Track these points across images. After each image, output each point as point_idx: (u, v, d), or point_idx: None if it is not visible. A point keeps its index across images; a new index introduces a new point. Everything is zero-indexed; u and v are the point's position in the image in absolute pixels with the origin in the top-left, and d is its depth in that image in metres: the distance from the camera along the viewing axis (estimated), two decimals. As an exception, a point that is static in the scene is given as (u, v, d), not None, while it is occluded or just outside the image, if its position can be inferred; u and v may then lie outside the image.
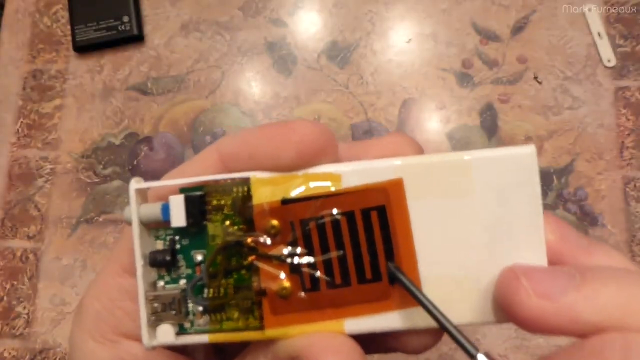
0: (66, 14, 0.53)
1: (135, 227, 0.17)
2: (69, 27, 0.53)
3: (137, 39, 0.52)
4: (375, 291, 0.16)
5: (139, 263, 0.17)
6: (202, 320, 0.17)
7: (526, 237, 0.16)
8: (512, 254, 0.16)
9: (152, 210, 0.17)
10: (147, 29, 0.53)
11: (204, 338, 0.17)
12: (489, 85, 0.50)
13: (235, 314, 0.17)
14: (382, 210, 0.16)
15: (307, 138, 0.16)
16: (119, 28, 0.51)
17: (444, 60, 0.51)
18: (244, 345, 0.18)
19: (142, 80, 0.51)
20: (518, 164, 0.16)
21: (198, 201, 0.17)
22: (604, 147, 0.48)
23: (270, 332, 0.16)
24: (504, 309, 0.15)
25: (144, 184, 0.17)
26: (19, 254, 0.48)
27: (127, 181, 0.49)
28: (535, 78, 0.50)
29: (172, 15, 0.53)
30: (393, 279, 0.16)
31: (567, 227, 0.16)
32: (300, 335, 0.16)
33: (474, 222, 0.16)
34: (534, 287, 0.14)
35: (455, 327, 0.15)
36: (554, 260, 0.16)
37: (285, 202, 0.16)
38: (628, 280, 0.14)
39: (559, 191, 0.47)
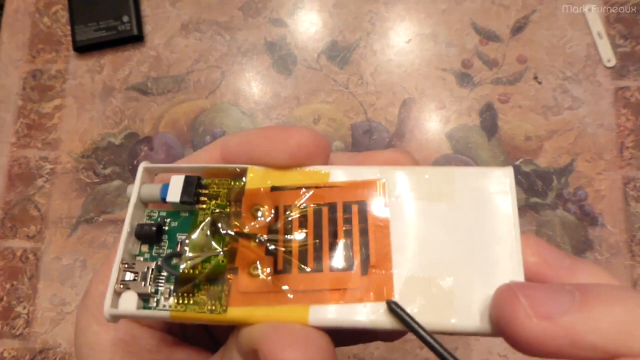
0: (66, 14, 0.53)
1: (133, 199, 0.18)
2: (69, 27, 0.53)
3: (137, 39, 0.52)
4: (345, 280, 0.16)
5: (126, 230, 0.17)
6: (167, 302, 0.17)
7: (502, 249, 0.16)
8: (490, 260, 0.16)
9: (153, 188, 0.18)
10: (147, 29, 0.53)
11: (165, 314, 0.17)
12: (489, 85, 0.50)
13: (203, 298, 0.17)
14: (362, 205, 0.17)
15: (302, 143, 0.18)
16: (119, 28, 0.51)
17: (443, 60, 0.51)
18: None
19: (142, 80, 0.51)
20: (497, 181, 0.17)
21: (196, 183, 0.18)
22: (604, 147, 0.48)
23: (232, 313, 0.16)
24: (500, 329, 0.14)
25: (152, 165, 0.19)
26: (19, 254, 0.48)
27: (127, 181, 0.49)
28: (535, 78, 0.50)
29: (172, 15, 0.53)
30: (391, 311, 0.16)
31: (548, 247, 0.16)
32: (259, 324, 0.16)
33: (453, 229, 0.17)
34: (533, 306, 0.13)
35: (451, 354, 0.15)
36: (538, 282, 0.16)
37: (274, 188, 0.18)
38: (633, 300, 0.13)
39: (559, 191, 0.47)
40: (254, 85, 0.51)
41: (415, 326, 0.15)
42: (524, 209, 0.47)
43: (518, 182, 0.47)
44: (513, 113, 0.49)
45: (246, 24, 0.52)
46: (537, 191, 0.47)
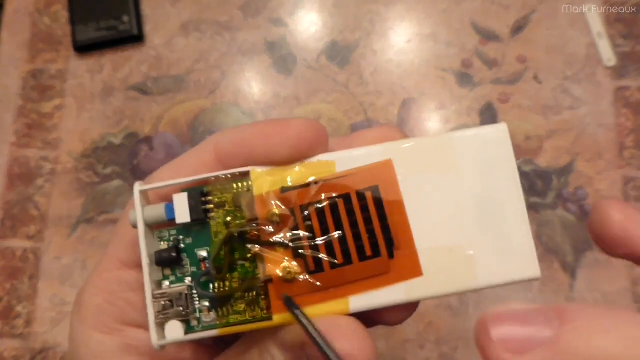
0: (66, 14, 0.53)
1: (141, 228, 0.17)
2: (69, 27, 0.53)
3: (137, 39, 0.52)
4: (376, 267, 0.17)
5: (145, 261, 0.17)
6: (209, 318, 0.17)
7: (509, 202, 0.17)
8: (499, 220, 0.17)
9: (157, 210, 0.18)
10: (147, 29, 0.53)
11: (214, 332, 0.17)
12: (489, 85, 0.50)
13: (242, 307, 0.17)
14: (375, 190, 0.17)
15: (302, 134, 0.17)
16: (119, 28, 0.51)
17: (443, 60, 0.51)
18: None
19: (142, 80, 0.51)
20: (494, 139, 0.18)
21: (200, 197, 0.17)
22: (604, 147, 0.48)
23: (278, 319, 0.17)
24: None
25: (147, 186, 0.18)
26: (19, 254, 0.48)
27: (127, 181, 0.49)
28: (535, 78, 0.50)
29: (172, 15, 0.53)
30: (288, 306, 0.17)
31: (630, 206, 0.17)
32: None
33: (461, 195, 0.18)
34: (504, 340, 0.13)
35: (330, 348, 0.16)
36: (625, 239, 0.16)
37: (284, 190, 0.17)
38: (615, 323, 0.13)
39: (559, 191, 0.47)
40: (254, 85, 0.51)
41: (306, 325, 0.16)
42: (524, 209, 0.47)
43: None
44: (513, 113, 0.49)
45: (246, 24, 0.52)
46: (537, 191, 0.47)
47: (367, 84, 0.50)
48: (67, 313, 0.46)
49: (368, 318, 0.18)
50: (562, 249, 0.46)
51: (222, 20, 0.53)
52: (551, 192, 0.47)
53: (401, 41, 0.51)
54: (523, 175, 0.48)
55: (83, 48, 0.52)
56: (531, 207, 0.47)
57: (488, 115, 0.49)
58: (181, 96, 0.51)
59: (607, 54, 0.49)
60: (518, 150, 0.48)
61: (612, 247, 0.17)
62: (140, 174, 0.49)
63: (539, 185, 0.47)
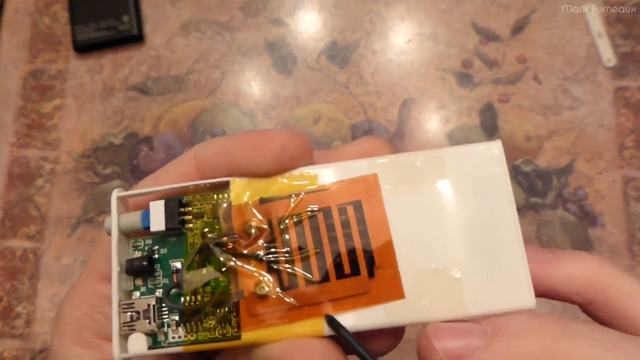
0: (66, 14, 0.53)
1: (114, 234, 0.17)
2: (69, 27, 0.53)
3: (137, 39, 0.52)
4: (355, 286, 0.16)
5: (115, 270, 0.16)
6: (177, 333, 0.16)
7: (502, 225, 0.16)
8: (491, 243, 0.16)
9: (132, 218, 0.17)
10: (147, 29, 0.53)
11: (179, 349, 0.16)
12: (489, 85, 0.50)
13: (212, 323, 0.16)
14: (358, 205, 0.17)
15: (284, 146, 0.17)
16: (119, 28, 0.51)
17: (443, 60, 0.51)
18: None
19: (142, 80, 0.51)
20: (487, 157, 0.17)
21: (177, 206, 0.17)
22: (604, 147, 0.48)
23: (247, 337, 0.16)
24: None
25: (125, 192, 0.17)
26: (19, 254, 0.48)
27: (127, 181, 0.49)
28: (535, 78, 0.50)
29: (172, 15, 0.53)
30: (332, 326, 0.16)
31: (530, 249, 0.17)
32: (276, 342, 0.16)
33: (450, 214, 0.16)
34: (445, 350, 0.15)
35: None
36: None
37: (263, 201, 0.17)
38: (545, 331, 0.14)
39: (559, 191, 0.47)
40: (254, 85, 0.51)
41: (351, 340, 0.15)
42: (524, 209, 0.47)
43: (518, 182, 0.47)
44: (513, 113, 0.49)
45: (246, 24, 0.52)
46: (537, 191, 0.47)
47: (367, 84, 0.50)
48: (67, 313, 0.46)
49: (348, 344, 0.17)
50: (562, 248, 0.46)
51: (222, 20, 0.53)
52: (551, 192, 0.47)
53: (401, 41, 0.51)
54: (523, 175, 0.48)
55: (83, 48, 0.52)
56: (531, 207, 0.47)
57: (488, 115, 0.49)
58: (181, 96, 0.51)
59: (607, 54, 0.49)
60: (518, 151, 0.48)
61: None
62: (140, 174, 0.49)
63: (539, 185, 0.47)
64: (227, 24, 0.52)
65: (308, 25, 0.52)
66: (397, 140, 0.49)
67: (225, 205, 0.17)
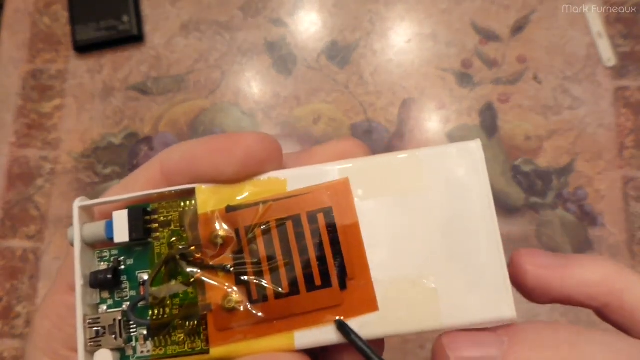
0: (66, 14, 0.53)
1: (77, 246, 0.16)
2: (69, 27, 0.53)
3: (137, 39, 0.52)
4: (326, 298, 0.15)
5: (79, 283, 0.16)
6: (145, 347, 0.16)
7: (481, 230, 0.15)
8: (469, 251, 0.15)
9: (96, 228, 0.16)
10: (147, 29, 0.53)
11: None
12: (489, 85, 0.50)
13: (181, 337, 0.16)
14: (329, 212, 0.16)
15: (251, 150, 0.16)
16: (119, 28, 0.51)
17: (443, 60, 0.51)
18: None
19: (142, 80, 0.51)
20: (466, 158, 0.16)
21: (142, 215, 0.16)
22: (604, 147, 0.48)
23: (215, 353, 0.15)
24: None
25: (87, 202, 0.17)
26: (19, 254, 0.48)
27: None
28: (535, 78, 0.50)
29: (172, 15, 0.53)
30: (341, 329, 0.15)
31: (541, 254, 0.17)
32: (244, 357, 0.15)
33: (427, 220, 0.16)
34: (460, 359, 0.14)
35: None
36: (541, 288, 0.16)
37: (230, 209, 0.16)
38: (558, 339, 0.14)
39: (559, 191, 0.47)
40: (254, 85, 0.51)
41: (360, 343, 0.15)
42: (524, 209, 0.47)
43: (518, 182, 0.47)
44: (513, 113, 0.49)
45: (246, 24, 0.52)
46: (537, 191, 0.47)
47: (367, 84, 0.50)
48: (67, 313, 0.46)
49: (325, 359, 0.17)
50: (562, 249, 0.46)
51: (222, 20, 0.53)
52: (551, 192, 0.47)
53: (401, 41, 0.51)
54: (523, 175, 0.48)
55: (83, 48, 0.52)
56: (531, 207, 0.47)
57: (488, 115, 0.49)
58: (181, 96, 0.51)
59: (607, 54, 0.49)
60: (518, 150, 0.48)
61: (532, 297, 0.17)
62: (140, 174, 0.49)
63: (539, 185, 0.47)
64: (227, 24, 0.52)
65: (308, 25, 0.52)
66: (397, 140, 0.49)
67: (191, 213, 0.16)
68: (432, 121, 0.49)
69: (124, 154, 0.50)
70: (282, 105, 0.50)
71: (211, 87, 0.51)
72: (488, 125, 0.49)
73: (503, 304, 0.15)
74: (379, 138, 0.49)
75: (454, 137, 0.49)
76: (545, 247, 0.46)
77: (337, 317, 0.15)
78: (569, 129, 0.48)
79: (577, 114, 0.49)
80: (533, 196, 0.47)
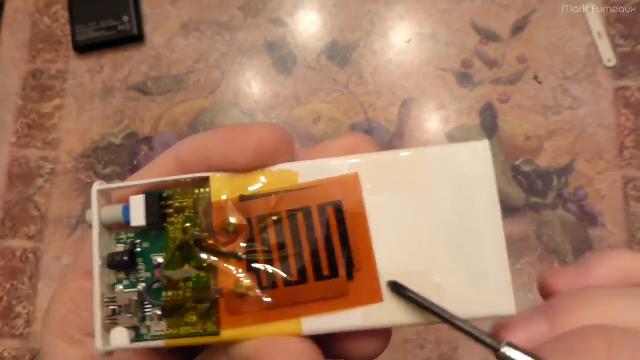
0: (66, 14, 0.53)
1: (95, 228, 0.17)
2: (69, 27, 0.53)
3: (137, 39, 0.52)
4: (333, 288, 0.16)
5: (97, 264, 0.16)
6: (159, 326, 0.16)
7: (486, 229, 0.16)
8: (473, 247, 0.16)
9: (114, 211, 0.17)
10: (147, 29, 0.53)
11: (160, 343, 0.16)
12: (489, 85, 0.50)
13: (194, 318, 0.16)
14: (338, 205, 0.16)
15: (263, 141, 0.16)
16: (119, 28, 0.51)
17: (443, 60, 0.51)
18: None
19: (142, 80, 0.51)
20: (473, 157, 0.16)
21: (158, 200, 0.17)
22: (604, 147, 0.48)
23: (226, 335, 0.16)
24: None
25: (106, 186, 0.17)
26: (19, 254, 0.48)
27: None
28: (535, 78, 0.50)
29: (172, 15, 0.53)
30: (397, 292, 0.16)
31: (564, 271, 0.17)
32: (254, 340, 0.16)
33: (433, 217, 0.16)
34: (519, 339, 0.15)
35: (472, 326, 0.15)
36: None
37: (243, 198, 0.16)
38: (595, 296, 0.15)
39: (559, 191, 0.47)
40: (254, 85, 0.51)
41: (424, 302, 0.15)
42: (524, 209, 0.47)
43: (518, 182, 0.47)
44: (513, 113, 0.49)
45: (246, 24, 0.52)
46: (537, 191, 0.47)
47: (367, 84, 0.50)
48: (67, 313, 0.46)
49: (327, 347, 0.17)
50: (562, 248, 0.46)
51: (222, 20, 0.53)
52: (551, 192, 0.47)
53: (401, 41, 0.51)
54: (523, 175, 0.48)
55: (83, 48, 0.52)
56: (531, 207, 0.47)
57: (488, 115, 0.49)
58: (181, 96, 0.51)
59: (607, 54, 0.49)
60: (518, 150, 0.48)
61: None
62: (140, 174, 0.49)
63: (539, 185, 0.47)
64: (227, 24, 0.52)
65: (308, 25, 0.52)
66: (397, 140, 0.49)
67: (205, 201, 0.17)
68: (432, 121, 0.49)
69: (124, 154, 0.50)
70: (282, 105, 0.50)
71: (211, 87, 0.51)
72: (488, 125, 0.49)
73: (504, 300, 0.16)
74: (379, 138, 0.49)
75: (454, 137, 0.49)
76: (545, 247, 0.46)
77: (389, 280, 0.16)
78: (569, 129, 0.48)
79: (577, 114, 0.49)
80: (533, 196, 0.47)
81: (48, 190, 0.49)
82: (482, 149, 0.16)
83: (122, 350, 0.17)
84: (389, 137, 0.49)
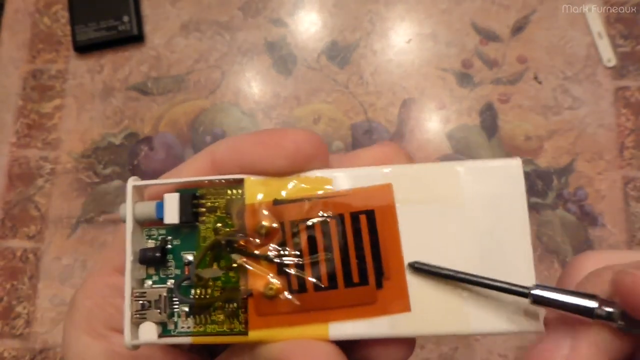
0: (66, 14, 0.53)
1: (129, 223, 0.17)
2: (69, 27, 0.53)
3: (137, 39, 0.52)
4: (362, 295, 0.16)
5: (129, 258, 0.17)
6: (186, 323, 0.17)
7: (514, 247, 0.16)
8: (501, 261, 0.16)
9: (147, 207, 0.17)
10: (147, 29, 0.53)
11: (187, 339, 0.17)
12: (489, 85, 0.50)
13: (221, 317, 0.17)
14: (371, 215, 0.16)
15: (299, 145, 0.17)
16: (119, 28, 0.51)
17: (443, 60, 0.51)
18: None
19: (142, 80, 0.51)
20: (505, 175, 0.17)
21: (192, 199, 0.17)
22: (604, 147, 0.48)
23: (253, 336, 0.16)
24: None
25: (141, 182, 0.17)
26: (19, 254, 0.48)
27: (127, 181, 0.49)
28: (535, 78, 0.50)
29: (172, 15, 0.53)
30: (416, 270, 0.16)
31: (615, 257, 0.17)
32: (281, 341, 0.16)
33: (463, 229, 0.16)
34: None
35: (498, 280, 0.15)
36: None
37: (277, 202, 0.17)
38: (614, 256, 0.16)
39: (559, 191, 0.47)
40: (254, 85, 0.51)
41: (446, 272, 0.16)
42: (524, 209, 0.47)
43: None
44: (513, 113, 0.49)
45: (246, 24, 0.52)
46: (537, 191, 0.47)
47: (367, 84, 0.50)
48: (67, 313, 0.46)
49: (352, 353, 0.17)
50: (562, 248, 0.46)
51: (222, 20, 0.53)
52: (551, 192, 0.47)
53: (401, 41, 0.51)
54: (523, 175, 0.47)
55: (83, 48, 0.52)
56: (531, 207, 0.47)
57: (488, 115, 0.49)
58: (181, 96, 0.51)
59: (607, 54, 0.49)
60: (518, 151, 0.48)
61: None
62: (140, 174, 0.49)
63: (539, 185, 0.47)
64: (227, 24, 0.52)
65: (308, 25, 0.52)
66: (397, 140, 0.49)
67: (238, 203, 0.17)
68: (432, 121, 0.49)
69: (124, 154, 0.50)
70: (282, 105, 0.50)
71: (211, 87, 0.51)
72: (488, 125, 0.49)
73: (529, 317, 0.16)
74: (379, 138, 0.49)
75: (454, 137, 0.49)
76: (545, 247, 0.46)
77: (409, 262, 0.16)
78: (569, 129, 0.48)
79: (577, 114, 0.49)
80: (533, 196, 0.47)
81: (48, 190, 0.49)
82: (515, 166, 0.17)
83: (148, 345, 0.17)
84: (389, 137, 0.49)
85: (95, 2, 0.52)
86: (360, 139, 0.49)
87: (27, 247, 0.48)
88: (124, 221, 0.17)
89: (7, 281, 0.47)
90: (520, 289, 0.15)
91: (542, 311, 0.16)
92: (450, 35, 0.51)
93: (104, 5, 0.51)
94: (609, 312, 0.14)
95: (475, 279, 0.16)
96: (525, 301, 0.16)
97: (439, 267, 0.16)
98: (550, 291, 0.15)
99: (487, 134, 0.49)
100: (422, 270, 0.16)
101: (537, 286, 0.15)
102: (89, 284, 0.19)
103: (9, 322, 0.46)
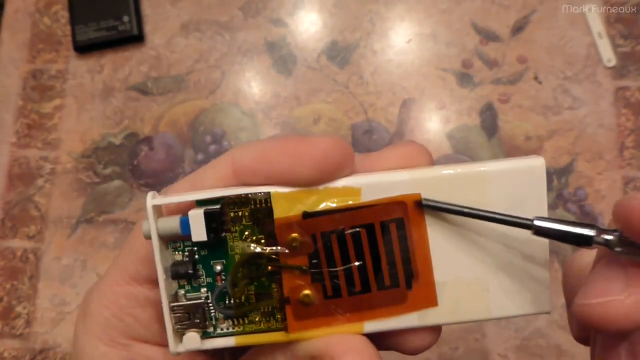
0: (66, 14, 0.53)
1: (155, 243, 0.17)
2: (69, 27, 0.53)
3: (137, 39, 0.52)
4: (394, 296, 0.17)
5: (161, 277, 0.17)
6: (224, 325, 0.17)
7: (533, 244, 0.17)
8: (521, 259, 0.17)
9: (171, 224, 0.17)
10: (147, 29, 0.53)
11: (231, 341, 0.17)
12: (489, 85, 0.50)
13: (257, 317, 0.17)
14: (400, 223, 0.17)
15: (328, 154, 0.16)
16: (119, 28, 0.51)
17: (443, 60, 0.51)
18: None
19: (142, 80, 0.51)
20: (530, 176, 0.17)
21: (217, 215, 0.17)
22: (604, 147, 0.48)
23: (294, 335, 0.17)
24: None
25: (160, 200, 0.17)
26: (19, 254, 0.48)
27: (127, 181, 0.49)
28: (535, 78, 0.50)
29: (172, 15, 0.53)
30: (425, 207, 0.17)
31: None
32: (319, 338, 0.17)
33: (486, 230, 0.17)
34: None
35: (503, 214, 0.16)
36: None
37: (306, 216, 0.17)
38: None
39: (559, 191, 0.47)
40: (254, 85, 0.51)
41: (454, 207, 0.17)
42: (524, 209, 0.47)
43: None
44: (513, 113, 0.49)
45: (246, 24, 0.52)
46: (537, 191, 0.47)
47: (367, 84, 0.50)
48: (67, 313, 0.46)
49: (380, 341, 0.18)
50: (562, 248, 0.46)
51: (222, 20, 0.53)
52: (551, 192, 0.47)
53: (401, 41, 0.51)
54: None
55: (83, 48, 0.52)
56: (531, 207, 0.47)
57: (488, 115, 0.49)
58: (181, 96, 0.51)
59: (607, 54, 0.49)
60: (518, 151, 0.48)
61: None
62: (140, 174, 0.49)
63: (539, 185, 0.47)
64: (227, 24, 0.52)
65: (308, 25, 0.52)
66: (397, 140, 0.49)
67: (267, 215, 0.17)
68: (432, 121, 0.49)
69: (124, 154, 0.50)
70: (282, 105, 0.50)
71: (211, 87, 0.51)
72: (488, 125, 0.49)
73: (542, 304, 0.18)
74: (379, 138, 0.49)
75: (454, 137, 0.49)
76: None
77: (417, 199, 0.17)
78: (569, 129, 0.48)
79: (577, 114, 0.49)
80: (533, 196, 0.47)
81: (48, 190, 0.49)
82: (538, 166, 0.17)
83: (193, 351, 0.17)
84: (389, 137, 0.49)
85: (95, 2, 0.52)
86: (360, 139, 0.49)
87: (27, 247, 0.48)
88: (147, 238, 0.17)
89: (7, 281, 0.47)
90: (524, 221, 0.16)
91: (547, 292, 0.18)
92: (450, 35, 0.51)
93: (104, 5, 0.51)
94: (606, 240, 0.15)
95: (481, 213, 0.17)
96: (537, 293, 0.17)
97: (446, 203, 0.17)
98: (551, 222, 0.16)
99: (487, 134, 0.49)
100: (430, 206, 0.17)
101: (538, 218, 0.16)
102: (105, 293, 0.19)
103: (9, 322, 0.46)
